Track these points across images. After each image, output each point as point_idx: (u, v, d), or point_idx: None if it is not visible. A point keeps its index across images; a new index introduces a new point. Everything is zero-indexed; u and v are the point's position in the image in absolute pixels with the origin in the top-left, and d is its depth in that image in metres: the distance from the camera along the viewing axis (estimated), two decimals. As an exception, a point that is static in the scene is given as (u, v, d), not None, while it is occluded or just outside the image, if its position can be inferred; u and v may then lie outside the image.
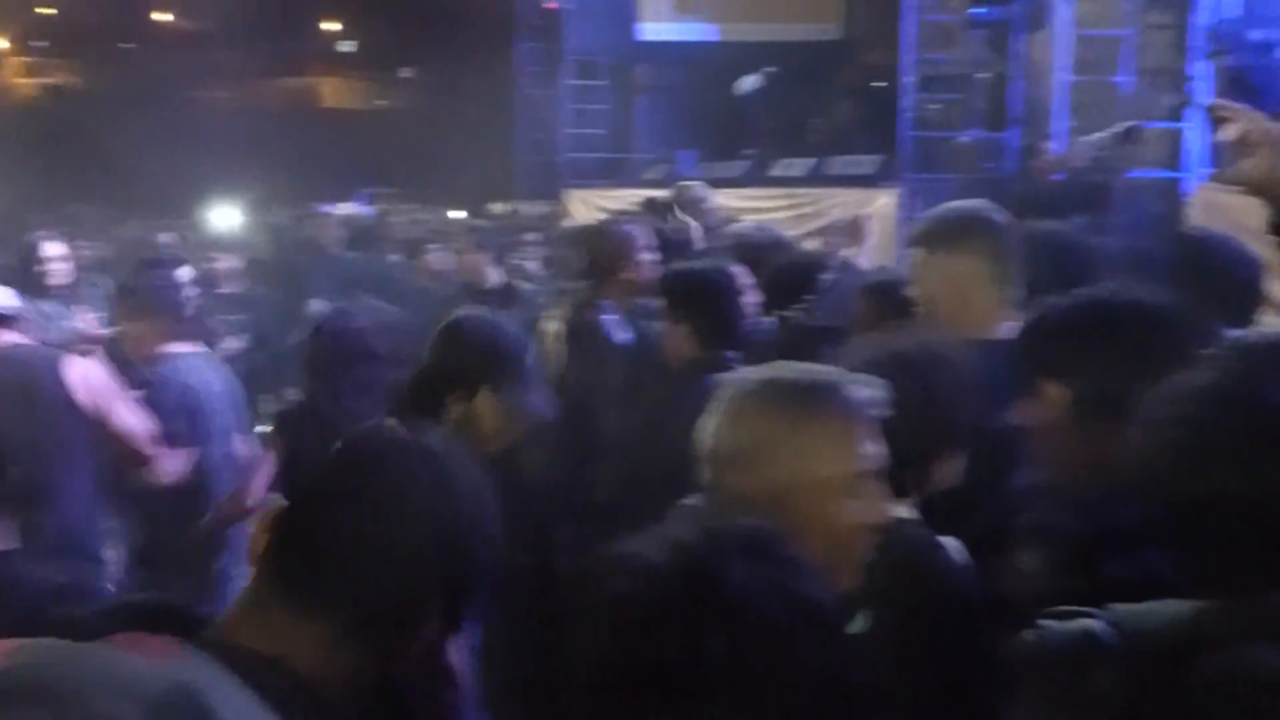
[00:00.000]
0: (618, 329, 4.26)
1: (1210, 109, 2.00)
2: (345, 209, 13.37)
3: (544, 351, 4.21)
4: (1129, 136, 9.42)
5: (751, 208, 10.21)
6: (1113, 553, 1.69)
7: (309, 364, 3.88)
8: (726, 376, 1.95)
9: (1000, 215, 3.11)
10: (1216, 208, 7.82)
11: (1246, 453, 1.35)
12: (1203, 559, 1.40)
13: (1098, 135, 9.62)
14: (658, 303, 3.89)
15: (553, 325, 4.35)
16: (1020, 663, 1.53)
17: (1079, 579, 1.70)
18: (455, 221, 13.18)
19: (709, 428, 1.81)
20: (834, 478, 1.75)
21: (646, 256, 4.46)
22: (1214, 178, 1.98)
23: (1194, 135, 9.24)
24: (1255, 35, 8.53)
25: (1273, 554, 1.34)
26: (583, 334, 4.25)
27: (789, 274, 4.47)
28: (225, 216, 13.25)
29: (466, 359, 2.96)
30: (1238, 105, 1.98)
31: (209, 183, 14.59)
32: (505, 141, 16.53)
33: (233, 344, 6.71)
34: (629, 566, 1.16)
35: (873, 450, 1.77)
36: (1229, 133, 1.92)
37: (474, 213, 15.66)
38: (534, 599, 2.11)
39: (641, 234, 4.61)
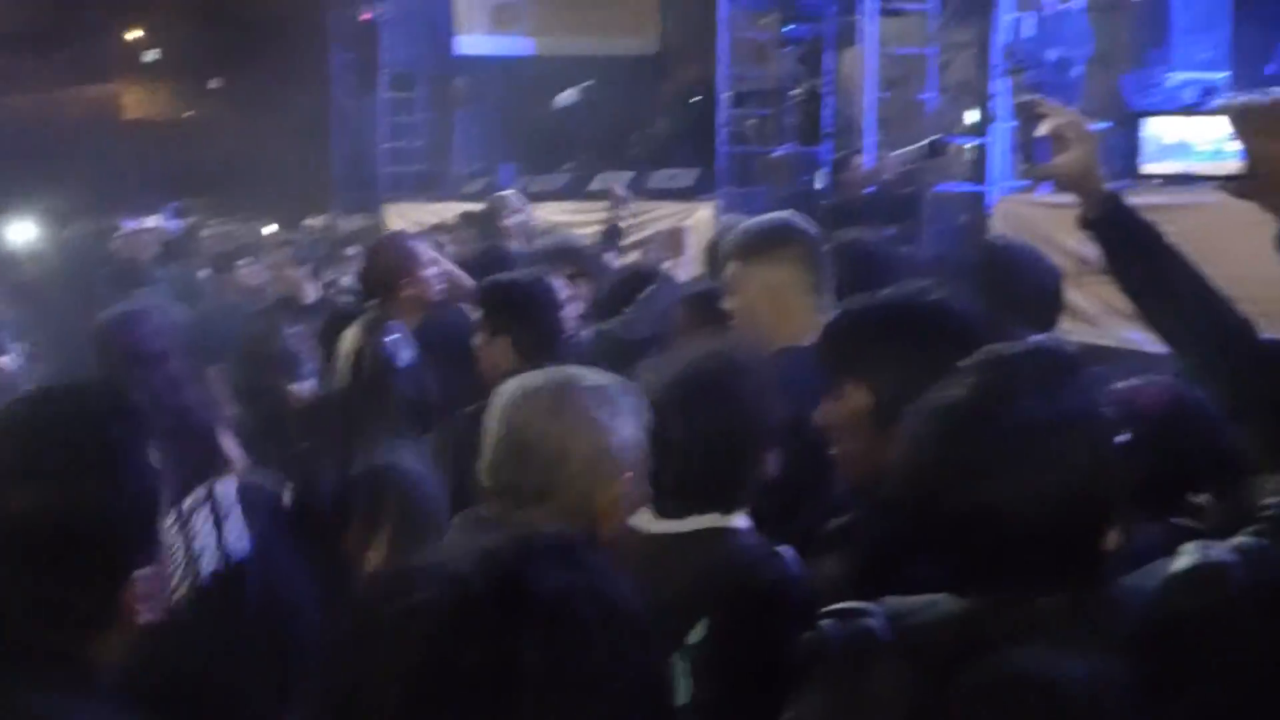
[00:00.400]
0: (402, 349, 4.15)
1: (1026, 105, 2.05)
2: (152, 223, 12.88)
3: (337, 371, 4.15)
4: (934, 151, 9.76)
5: (572, 221, 10.22)
6: (909, 555, 1.73)
7: (97, 367, 3.74)
8: (511, 381, 1.93)
9: (811, 225, 3.17)
10: (1019, 219, 8.17)
11: (998, 464, 1.40)
12: (968, 563, 1.46)
13: (905, 150, 9.95)
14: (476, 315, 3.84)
15: (346, 345, 4.25)
16: (803, 661, 1.55)
17: (878, 582, 1.73)
18: (268, 236, 12.83)
19: (495, 430, 1.80)
20: (615, 481, 1.76)
21: (430, 271, 4.38)
22: (1028, 171, 2.04)
23: (997, 149, 9.62)
24: (1052, 54, 8.94)
25: (1031, 558, 1.40)
26: (364, 356, 4.16)
27: (612, 286, 4.47)
28: (19, 231, 12.63)
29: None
30: (1053, 101, 2.04)
31: (3, 195, 13.89)
32: (321, 154, 16.20)
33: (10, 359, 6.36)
34: (436, 576, 1.12)
35: (644, 458, 1.80)
36: (1045, 128, 1.97)
37: (288, 227, 15.28)
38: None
39: (423, 249, 4.54)
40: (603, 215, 7.52)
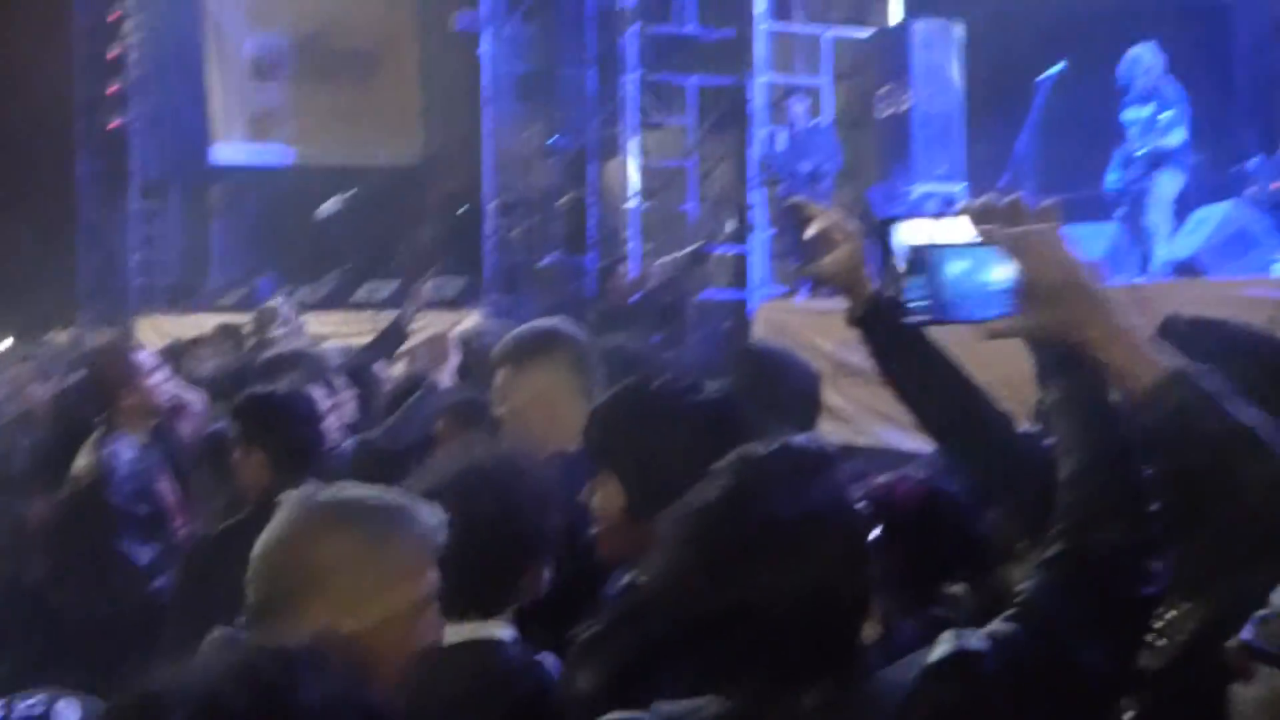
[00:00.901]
0: (121, 459, 4.05)
1: (793, 207, 2.09)
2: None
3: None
4: (695, 259, 10.04)
5: (337, 331, 10.03)
6: (671, 658, 1.71)
7: None
8: (289, 494, 1.84)
9: (579, 330, 3.17)
10: (779, 324, 8.43)
11: (752, 563, 1.41)
12: (728, 663, 1.46)
13: (668, 258, 10.18)
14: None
15: (78, 459, 4.14)
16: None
17: (644, 686, 1.70)
18: (5, 351, 12.14)
19: (267, 547, 1.71)
20: (399, 601, 1.70)
21: (152, 381, 4.31)
22: (802, 270, 2.08)
23: (756, 257, 9.96)
24: (804, 166, 9.36)
25: (789, 655, 1.42)
26: (87, 468, 4.08)
27: (381, 396, 4.38)
28: None
29: None
30: (818, 204, 2.09)
31: None
32: (66, 266, 15.48)
33: None
34: (190, 692, 1.08)
35: (433, 575, 1.75)
36: (813, 229, 2.01)
37: (29, 341, 14.49)
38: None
39: (145, 358, 4.49)
40: (370, 324, 7.41)
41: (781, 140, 9.85)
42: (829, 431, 4.79)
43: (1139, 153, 7.68)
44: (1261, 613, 1.21)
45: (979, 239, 1.51)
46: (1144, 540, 1.51)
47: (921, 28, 9.83)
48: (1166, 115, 7.61)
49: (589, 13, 11.48)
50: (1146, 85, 7.72)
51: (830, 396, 4.87)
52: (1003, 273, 1.48)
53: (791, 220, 2.11)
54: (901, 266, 1.57)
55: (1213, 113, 10.64)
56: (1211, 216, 6.52)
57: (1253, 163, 9.46)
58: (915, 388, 1.96)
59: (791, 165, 9.48)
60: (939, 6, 9.92)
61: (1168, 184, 7.56)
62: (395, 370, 6.21)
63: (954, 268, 1.52)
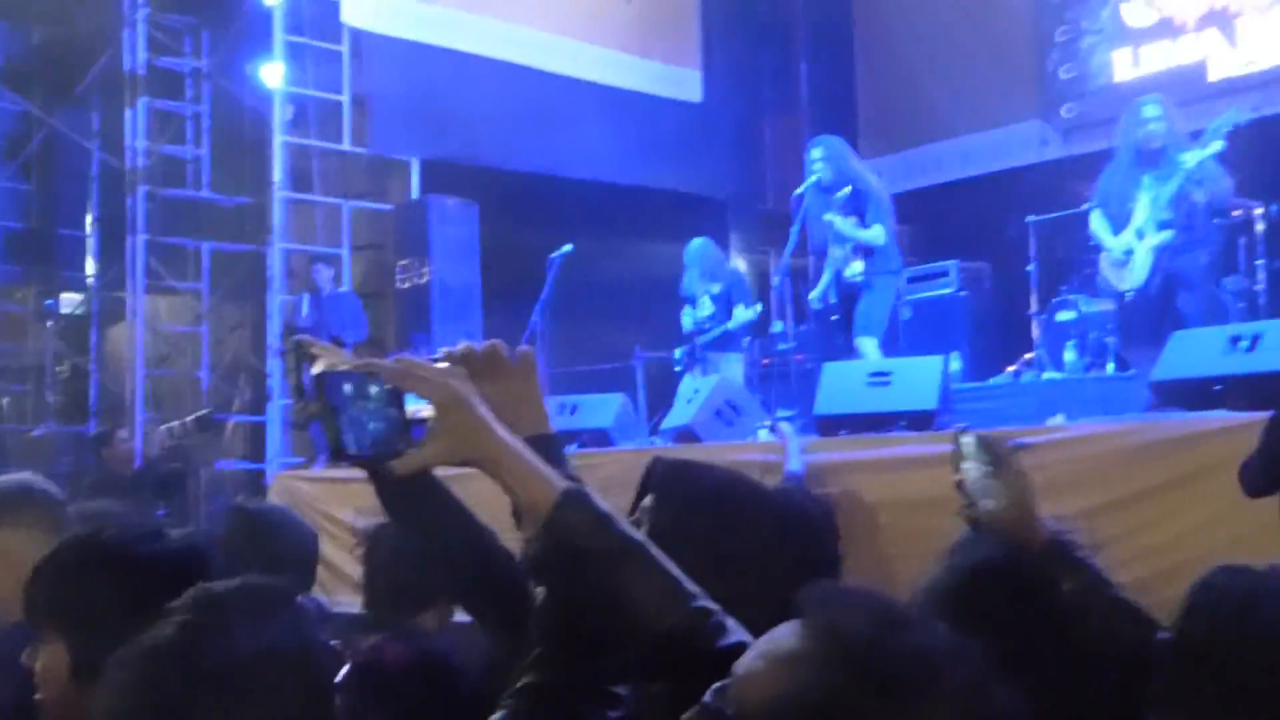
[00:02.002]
0: None
1: (298, 345, 2.02)
2: None
3: None
4: (201, 426, 9.58)
5: None
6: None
7: None
8: None
9: (54, 488, 2.92)
10: (295, 494, 8.17)
11: (205, 703, 1.34)
12: None
13: (173, 424, 9.67)
14: None
15: None
16: None
17: None
18: None
19: None
20: None
21: None
22: (296, 410, 1.99)
23: (274, 427, 9.66)
24: (326, 334, 9.29)
25: None
26: None
27: None
28: None
29: None
30: (323, 342, 2.03)
31: None
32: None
33: None
34: None
35: None
36: (316, 368, 1.96)
37: None
38: None
39: None
40: None
41: (305, 306, 9.73)
42: (349, 600, 4.64)
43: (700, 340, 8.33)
44: (720, 683, 1.24)
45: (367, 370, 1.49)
46: (604, 674, 1.53)
47: (439, 203, 10.13)
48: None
49: (93, 171, 10.95)
50: (706, 269, 8.43)
51: (346, 564, 4.76)
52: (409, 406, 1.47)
53: (295, 359, 2.03)
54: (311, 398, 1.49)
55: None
56: (704, 387, 7.03)
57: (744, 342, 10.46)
58: (423, 530, 1.95)
59: (315, 332, 9.35)
60: (454, 186, 10.28)
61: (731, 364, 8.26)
62: None
63: (361, 403, 1.48)
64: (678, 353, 8.68)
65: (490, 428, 1.46)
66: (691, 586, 1.42)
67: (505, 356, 1.64)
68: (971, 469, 1.77)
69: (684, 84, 12.02)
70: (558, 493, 1.41)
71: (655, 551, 1.43)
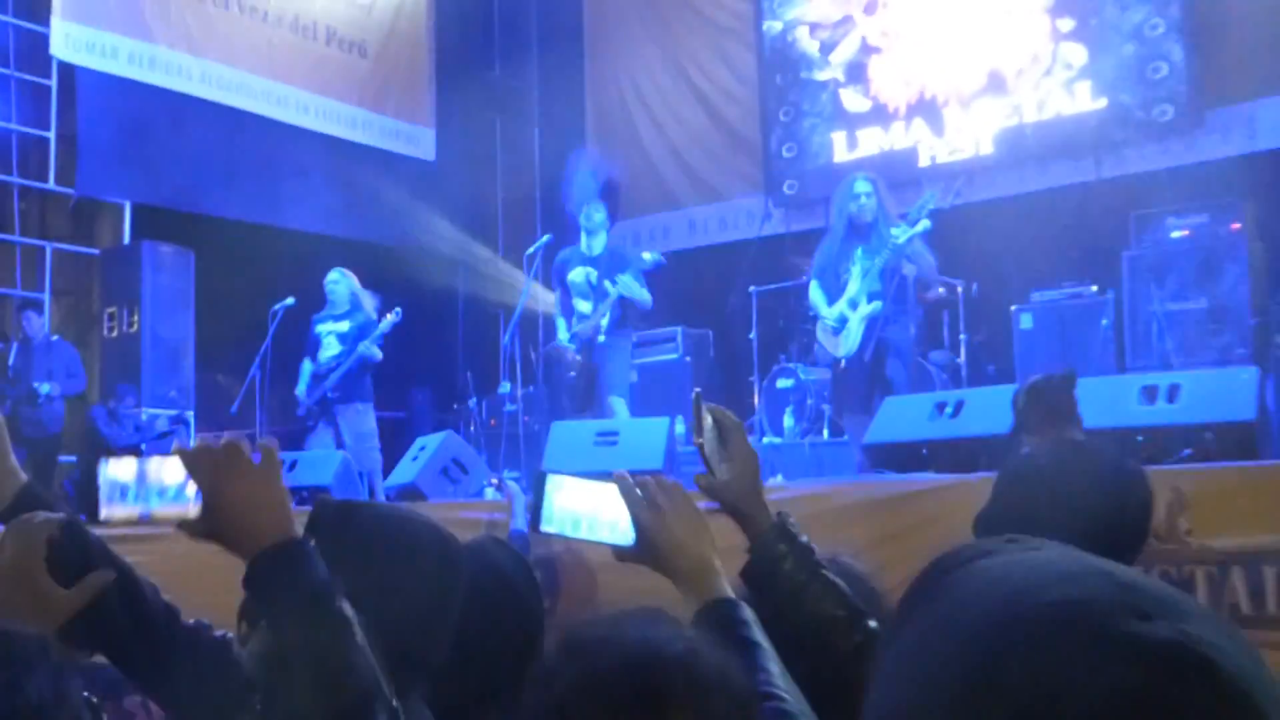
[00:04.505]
0: None
1: None
2: None
3: None
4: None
5: None
6: None
7: None
8: None
9: None
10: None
11: None
12: None
13: None
14: None
15: None
16: None
17: None
18: None
19: None
20: None
21: None
22: None
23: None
24: (40, 381, 8.72)
25: None
26: None
27: None
28: None
29: None
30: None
31: None
32: None
33: None
34: None
35: None
36: None
37: None
38: None
39: None
40: None
41: (12, 355, 9.01)
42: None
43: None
44: None
45: None
46: None
47: (152, 249, 9.63)
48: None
49: None
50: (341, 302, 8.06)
51: None
52: None
53: None
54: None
55: (439, 356, 11.57)
56: (430, 445, 6.90)
57: (471, 402, 10.37)
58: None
59: (26, 379, 8.71)
60: (168, 232, 9.81)
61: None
62: None
63: None
64: (301, 391, 8.02)
65: None
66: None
67: (246, 455, 1.51)
68: (709, 438, 1.75)
69: (417, 141, 11.91)
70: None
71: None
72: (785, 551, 1.70)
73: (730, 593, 1.62)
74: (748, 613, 1.58)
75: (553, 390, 7.74)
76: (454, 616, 1.74)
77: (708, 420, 1.76)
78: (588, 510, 1.66)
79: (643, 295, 7.23)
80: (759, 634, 1.54)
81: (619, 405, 7.06)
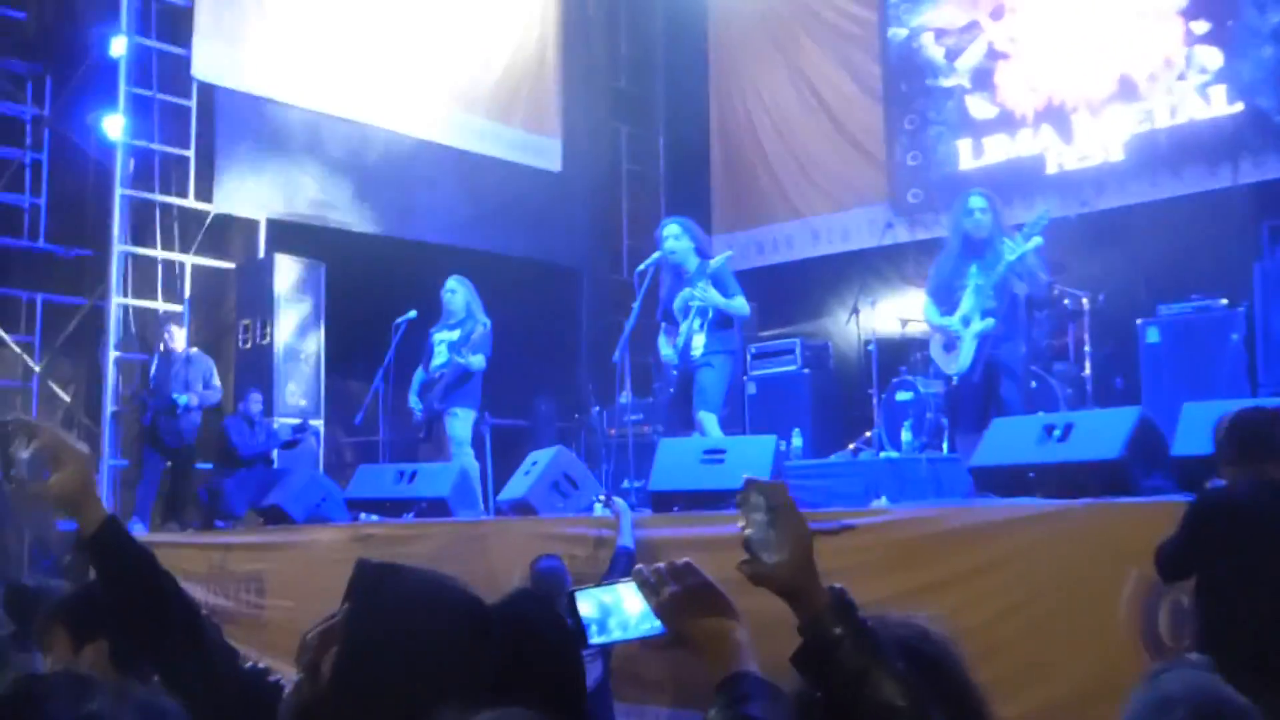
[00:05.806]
0: None
1: (8, 425, 1.99)
2: None
3: None
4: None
5: None
6: None
7: None
8: None
9: None
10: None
11: None
12: None
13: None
14: None
15: None
16: None
17: None
18: None
19: None
20: None
21: None
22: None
23: (102, 488, 9.30)
24: (178, 392, 9.04)
25: None
26: None
27: None
28: None
29: None
30: (40, 422, 2.00)
31: None
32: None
33: None
34: None
35: None
36: (33, 446, 1.96)
37: None
38: None
39: None
40: None
41: (154, 366, 9.40)
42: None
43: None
44: None
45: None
46: None
47: (285, 262, 9.95)
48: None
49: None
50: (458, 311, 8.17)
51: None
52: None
53: (22, 438, 2.01)
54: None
55: (562, 366, 11.71)
56: (542, 459, 6.98)
57: (594, 411, 10.46)
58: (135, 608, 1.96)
59: (165, 391, 9.07)
60: (300, 246, 10.12)
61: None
62: None
63: None
64: (414, 402, 8.30)
65: None
66: None
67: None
68: (757, 523, 1.68)
69: (544, 152, 12.04)
70: None
71: None
72: (841, 636, 1.55)
73: (749, 665, 1.62)
74: (756, 686, 1.58)
75: (661, 405, 7.75)
76: (486, 681, 1.75)
77: (757, 500, 1.68)
78: (621, 611, 1.72)
79: (728, 303, 7.04)
80: (761, 710, 1.54)
81: (708, 421, 6.94)
